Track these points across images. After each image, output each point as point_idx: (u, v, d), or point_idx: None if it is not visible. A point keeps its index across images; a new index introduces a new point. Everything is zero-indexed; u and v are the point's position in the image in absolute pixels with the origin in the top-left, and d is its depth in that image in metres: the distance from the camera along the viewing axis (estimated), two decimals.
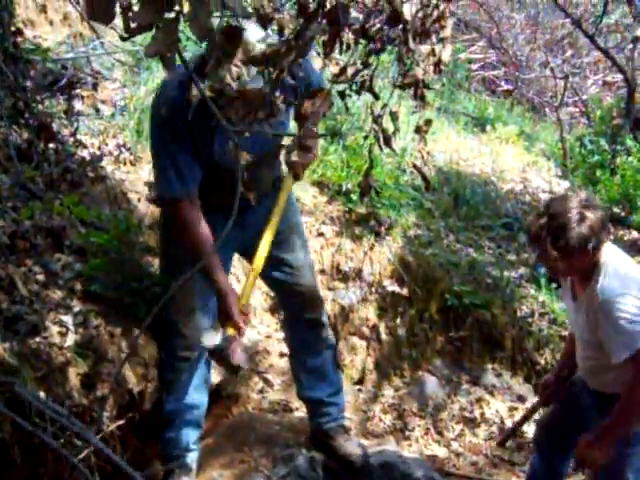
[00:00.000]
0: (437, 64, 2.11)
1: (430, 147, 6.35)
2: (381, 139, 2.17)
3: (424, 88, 2.14)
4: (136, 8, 1.30)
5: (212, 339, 2.99)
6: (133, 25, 1.31)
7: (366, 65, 2.06)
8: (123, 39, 1.40)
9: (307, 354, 3.60)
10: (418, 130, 2.25)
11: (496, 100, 9.63)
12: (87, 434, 2.14)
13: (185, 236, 3.05)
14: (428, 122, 2.28)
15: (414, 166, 2.57)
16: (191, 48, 4.56)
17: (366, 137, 2.26)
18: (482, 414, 4.54)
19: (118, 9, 1.31)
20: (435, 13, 2.05)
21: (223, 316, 3.04)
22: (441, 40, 2.11)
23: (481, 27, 10.36)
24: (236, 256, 3.65)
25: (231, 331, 3.00)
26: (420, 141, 2.24)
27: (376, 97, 2.16)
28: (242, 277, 4.27)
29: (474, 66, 10.48)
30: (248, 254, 3.33)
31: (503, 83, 10.48)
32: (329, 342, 3.63)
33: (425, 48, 2.08)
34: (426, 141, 2.26)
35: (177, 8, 1.30)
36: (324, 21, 1.83)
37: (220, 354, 2.98)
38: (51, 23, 5.63)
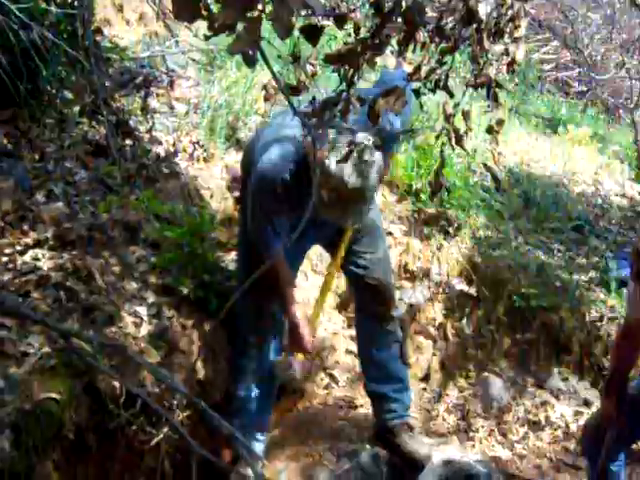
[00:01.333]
0: (510, 64, 2.11)
1: (501, 148, 6.32)
2: (453, 138, 2.18)
3: (497, 88, 2.14)
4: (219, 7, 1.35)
5: (285, 371, 3.35)
6: (216, 24, 1.36)
7: (441, 64, 2.07)
8: (207, 38, 1.45)
9: (374, 347, 3.63)
10: (490, 130, 2.26)
11: (569, 101, 9.49)
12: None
13: (273, 274, 3.19)
14: (500, 122, 2.28)
15: (485, 166, 2.57)
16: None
17: (438, 136, 2.27)
18: (547, 417, 4.50)
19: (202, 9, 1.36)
20: (510, 12, 2.05)
21: (295, 346, 3.32)
22: (515, 40, 2.10)
23: (555, 27, 10.21)
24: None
25: (300, 357, 3.33)
26: (492, 141, 2.25)
27: (450, 95, 2.18)
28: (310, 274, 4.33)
29: (547, 66, 10.35)
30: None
31: (577, 84, 10.32)
32: (397, 337, 3.65)
33: (499, 48, 2.08)
34: (498, 141, 2.26)
35: (259, 7, 1.35)
36: (399, 20, 1.85)
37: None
38: (127, 22, 5.77)
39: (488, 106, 2.23)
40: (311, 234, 3.20)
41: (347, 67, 1.84)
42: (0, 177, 3.34)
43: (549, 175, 6.25)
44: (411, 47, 1.98)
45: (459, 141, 2.22)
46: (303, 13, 1.41)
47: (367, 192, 3.02)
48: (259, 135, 3.42)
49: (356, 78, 1.90)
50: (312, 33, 1.47)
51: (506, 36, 2.15)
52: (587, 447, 3.46)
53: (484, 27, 2.05)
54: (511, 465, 4.16)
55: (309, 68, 2.09)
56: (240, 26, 1.36)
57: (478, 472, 3.54)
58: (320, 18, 1.50)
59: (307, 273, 4.34)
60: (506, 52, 2.13)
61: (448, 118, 2.16)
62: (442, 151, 2.27)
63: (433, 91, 2.18)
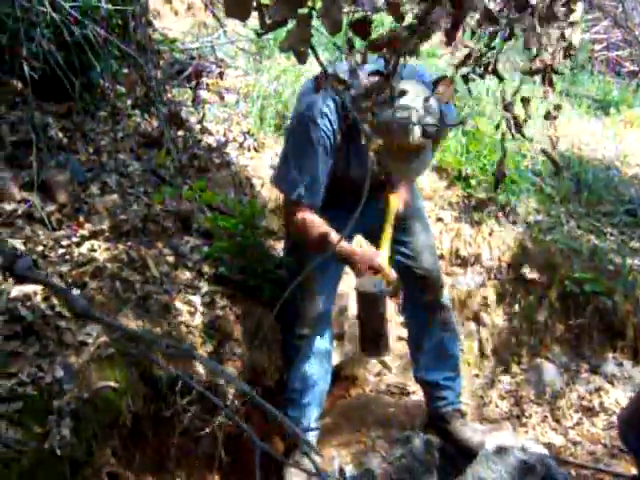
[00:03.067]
0: (567, 49, 2.08)
1: (551, 132, 6.27)
2: (512, 127, 2.16)
3: (553, 73, 2.11)
4: (270, 4, 1.37)
5: (367, 284, 3.17)
6: (268, 21, 1.38)
7: (490, 48, 2.05)
8: (258, 35, 1.47)
9: (424, 335, 3.64)
10: (547, 116, 2.23)
11: (621, 82, 9.32)
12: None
13: (308, 234, 3.16)
14: (557, 107, 2.25)
15: (544, 152, 2.55)
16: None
17: (497, 126, 2.25)
18: (601, 403, 4.46)
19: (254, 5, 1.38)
20: None
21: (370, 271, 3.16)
22: (571, 24, 2.07)
23: (605, 6, 10.04)
24: None
25: (379, 277, 3.16)
26: (550, 127, 2.22)
27: (500, 79, 2.16)
28: None
29: (598, 47, 10.18)
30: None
31: (628, 64, 10.13)
32: (447, 325, 3.65)
33: (554, 32, 2.04)
34: (556, 127, 2.24)
35: (310, 4, 1.36)
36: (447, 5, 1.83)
37: (374, 298, 3.17)
38: (176, 13, 5.84)
39: (544, 92, 2.20)
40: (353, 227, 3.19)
41: (392, 53, 1.82)
42: (55, 170, 3.40)
43: (600, 158, 6.15)
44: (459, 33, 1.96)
45: (519, 128, 2.20)
46: (352, 8, 1.43)
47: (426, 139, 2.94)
48: (302, 89, 3.40)
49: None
50: (362, 27, 1.48)
51: (561, 19, 2.10)
52: (630, 439, 3.40)
53: (536, 11, 2.02)
54: (565, 451, 4.14)
55: (358, 57, 2.09)
56: (291, 23, 1.38)
57: (530, 458, 3.52)
58: (370, 12, 1.51)
59: None
60: (562, 37, 2.09)
61: (507, 107, 2.15)
62: (503, 140, 2.25)
63: (482, 76, 2.16)
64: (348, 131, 3.07)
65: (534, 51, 2.07)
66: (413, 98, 2.83)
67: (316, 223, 3.14)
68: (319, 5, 1.37)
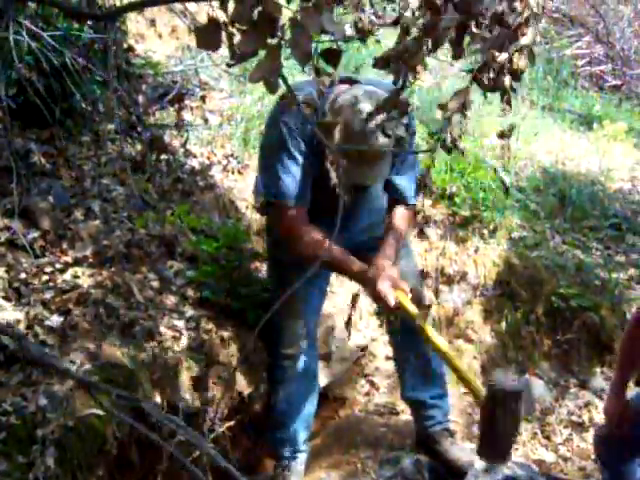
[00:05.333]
0: (514, 72, 2.04)
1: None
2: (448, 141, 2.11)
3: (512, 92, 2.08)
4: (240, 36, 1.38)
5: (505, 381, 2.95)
6: (238, 52, 1.39)
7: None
8: (229, 65, 1.48)
9: (410, 354, 3.62)
10: (502, 135, 2.19)
11: (604, 96, 9.39)
12: (200, 441, 2.22)
13: (297, 239, 3.11)
14: (512, 128, 2.22)
15: (495, 171, 2.52)
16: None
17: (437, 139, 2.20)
18: (591, 418, 4.46)
19: (224, 37, 1.39)
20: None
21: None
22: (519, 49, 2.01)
23: (587, 22, 10.13)
24: None
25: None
26: (503, 146, 2.19)
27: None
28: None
29: (580, 62, 10.25)
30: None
31: (610, 78, 10.21)
32: None
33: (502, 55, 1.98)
34: (509, 147, 2.20)
35: (279, 35, 1.37)
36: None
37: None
38: (160, 36, 5.84)
39: (502, 110, 2.16)
40: (339, 239, 3.18)
41: (401, 68, 1.78)
42: (39, 196, 3.40)
43: (585, 173, 6.20)
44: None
45: (455, 144, 2.15)
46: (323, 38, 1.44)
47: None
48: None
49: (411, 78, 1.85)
50: (332, 57, 1.49)
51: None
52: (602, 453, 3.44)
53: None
54: (555, 468, 4.14)
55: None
56: (261, 54, 1.39)
57: (519, 476, 3.51)
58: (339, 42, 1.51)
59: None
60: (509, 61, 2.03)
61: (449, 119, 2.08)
62: (433, 152, 2.18)
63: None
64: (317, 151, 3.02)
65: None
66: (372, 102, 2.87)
67: (307, 229, 3.10)
68: (288, 35, 1.38)
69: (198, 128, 4.66)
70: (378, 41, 3.92)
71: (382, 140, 2.92)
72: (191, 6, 5.15)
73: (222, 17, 1.47)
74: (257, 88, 5.14)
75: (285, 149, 3.09)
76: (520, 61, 1.87)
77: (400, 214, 3.35)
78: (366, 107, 2.90)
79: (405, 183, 3.32)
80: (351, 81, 3.12)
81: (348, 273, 3.20)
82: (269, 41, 1.38)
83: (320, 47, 1.46)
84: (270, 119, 3.27)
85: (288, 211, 3.11)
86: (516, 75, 1.89)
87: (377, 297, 3.06)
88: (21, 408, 2.49)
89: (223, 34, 1.39)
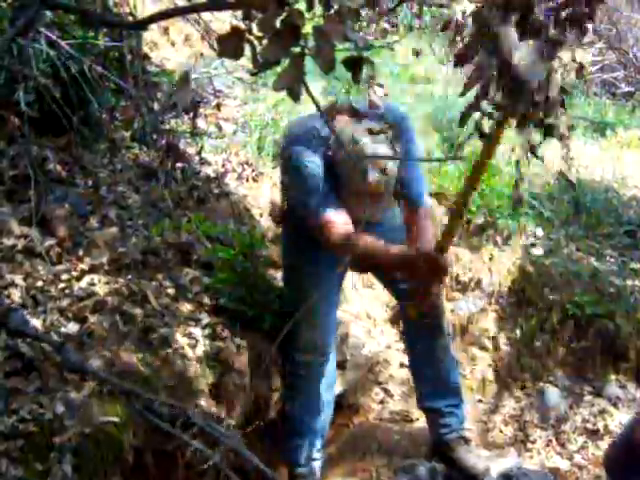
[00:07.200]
0: (579, 69, 2.04)
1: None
2: (527, 150, 2.13)
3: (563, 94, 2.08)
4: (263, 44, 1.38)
5: None
6: (260, 61, 1.39)
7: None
8: (252, 74, 1.48)
9: (426, 363, 3.62)
10: (561, 137, 2.20)
11: (617, 103, 9.35)
12: (244, 449, 2.24)
13: (346, 244, 3.07)
14: (570, 128, 2.22)
15: (561, 173, 2.51)
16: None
17: (513, 149, 2.23)
18: (605, 426, 4.44)
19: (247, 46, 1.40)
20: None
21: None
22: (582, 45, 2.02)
23: (599, 29, 10.10)
24: None
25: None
26: (563, 147, 2.19)
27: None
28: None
29: (592, 68, 10.21)
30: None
31: (623, 85, 10.18)
32: (449, 351, 3.64)
33: (565, 54, 2.00)
34: (570, 147, 2.20)
35: (302, 43, 1.38)
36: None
37: None
38: (173, 44, 5.87)
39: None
40: None
41: None
42: (55, 204, 3.41)
43: (599, 180, 6.16)
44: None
45: (533, 151, 2.17)
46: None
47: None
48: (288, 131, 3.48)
49: None
50: (354, 65, 1.50)
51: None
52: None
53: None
54: (570, 476, 4.12)
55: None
56: (284, 62, 1.39)
57: None
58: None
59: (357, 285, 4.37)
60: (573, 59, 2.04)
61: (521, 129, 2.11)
62: (518, 163, 2.22)
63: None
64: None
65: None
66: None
67: (350, 230, 3.09)
68: (312, 43, 1.38)
69: (212, 136, 4.67)
70: (392, 49, 3.94)
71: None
72: (204, 14, 5.17)
73: (241, 25, 1.48)
74: (270, 96, 5.16)
75: (307, 184, 3.11)
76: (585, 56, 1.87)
77: (422, 214, 3.37)
78: (367, 145, 2.97)
79: (415, 188, 3.34)
80: (353, 110, 3.14)
81: (388, 257, 3.10)
82: (292, 49, 1.39)
83: (340, 55, 1.46)
84: (284, 160, 3.34)
85: (333, 222, 3.09)
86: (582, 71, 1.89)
87: (432, 262, 2.96)
88: (38, 415, 2.49)
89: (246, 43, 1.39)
